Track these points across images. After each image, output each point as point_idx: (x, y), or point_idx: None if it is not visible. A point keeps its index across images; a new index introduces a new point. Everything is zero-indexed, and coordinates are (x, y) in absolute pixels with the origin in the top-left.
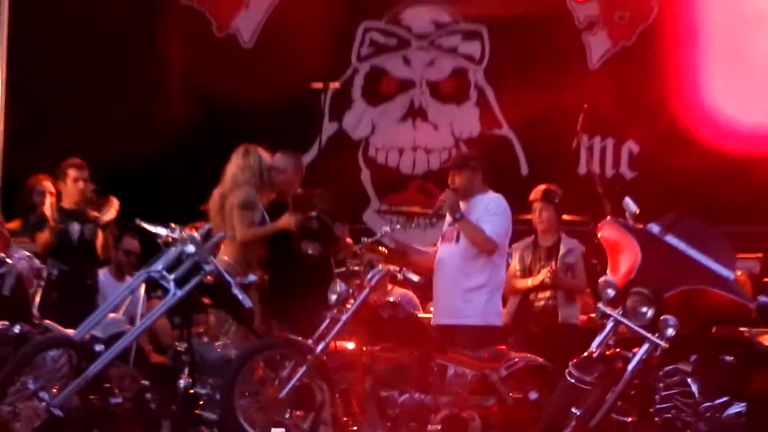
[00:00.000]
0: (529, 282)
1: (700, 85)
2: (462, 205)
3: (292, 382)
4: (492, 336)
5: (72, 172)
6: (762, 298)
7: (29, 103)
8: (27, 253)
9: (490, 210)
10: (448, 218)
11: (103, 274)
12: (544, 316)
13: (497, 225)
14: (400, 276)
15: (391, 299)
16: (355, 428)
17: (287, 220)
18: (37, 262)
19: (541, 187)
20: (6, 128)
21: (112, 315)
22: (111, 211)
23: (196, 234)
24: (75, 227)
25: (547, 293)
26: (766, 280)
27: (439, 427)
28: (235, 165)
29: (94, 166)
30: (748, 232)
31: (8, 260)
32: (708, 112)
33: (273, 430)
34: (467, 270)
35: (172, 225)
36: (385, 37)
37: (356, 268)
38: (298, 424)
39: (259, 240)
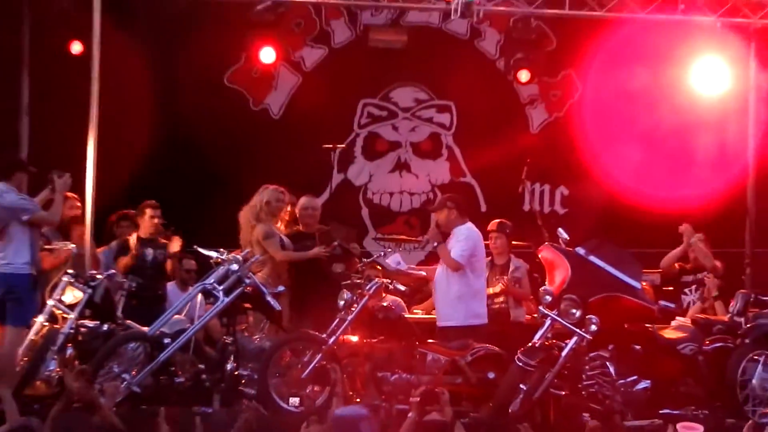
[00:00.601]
0: (490, 291)
1: (613, 144)
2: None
3: (312, 365)
4: (475, 333)
5: (149, 211)
6: (662, 303)
7: (114, 158)
8: (113, 271)
9: (458, 238)
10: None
11: (171, 286)
12: (499, 316)
13: (460, 249)
14: (391, 287)
15: (385, 304)
16: (358, 400)
17: (317, 251)
18: (119, 277)
19: (496, 221)
20: (96, 176)
21: (176, 316)
22: (175, 245)
23: (239, 256)
24: (149, 252)
25: (501, 299)
26: (664, 288)
27: (419, 398)
28: (250, 204)
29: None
30: (649, 253)
31: (98, 276)
32: (619, 164)
33: (290, 399)
34: (449, 284)
35: (221, 250)
36: (379, 110)
37: (358, 281)
38: (314, 397)
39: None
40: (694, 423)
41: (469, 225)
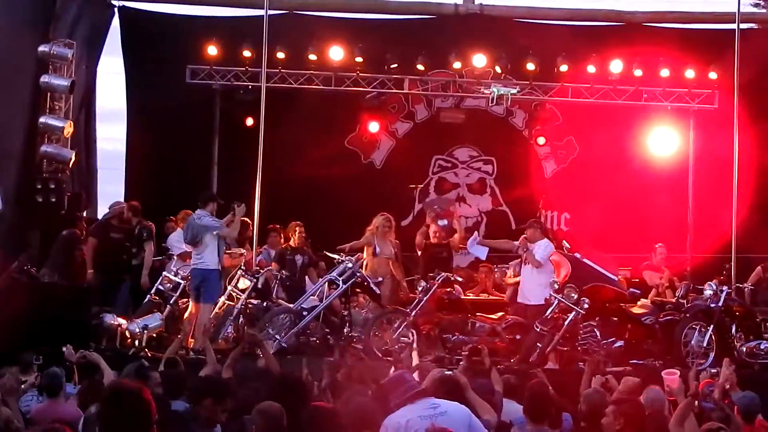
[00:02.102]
0: (515, 280)
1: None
2: (531, 245)
3: (399, 330)
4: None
5: (298, 228)
6: (631, 290)
7: (272, 193)
8: (270, 267)
9: (540, 246)
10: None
11: (308, 278)
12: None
13: (540, 254)
14: (452, 278)
15: (448, 289)
16: (430, 353)
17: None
18: (275, 271)
19: (523, 236)
20: (261, 206)
21: (311, 297)
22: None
23: (352, 258)
24: (299, 257)
25: None
26: (633, 280)
27: (468, 352)
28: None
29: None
30: (624, 256)
31: (261, 270)
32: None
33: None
34: (532, 277)
35: (342, 254)
36: (445, 163)
37: (431, 274)
38: (400, 351)
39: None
40: (672, 369)
41: (546, 240)
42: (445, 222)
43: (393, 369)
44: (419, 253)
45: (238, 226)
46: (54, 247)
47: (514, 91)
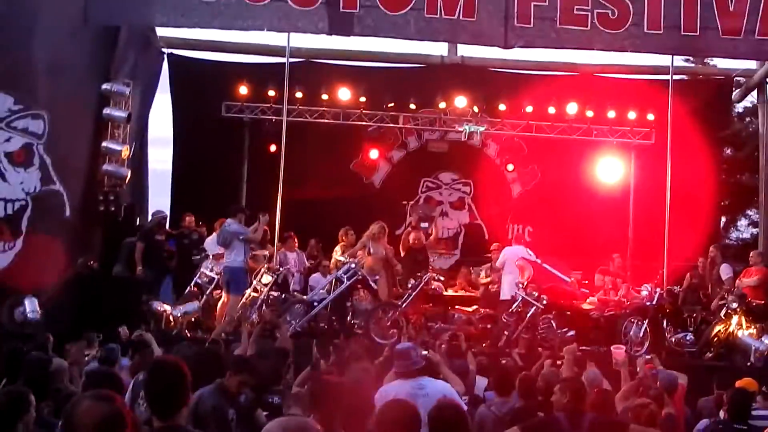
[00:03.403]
0: (488, 280)
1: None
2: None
3: (391, 319)
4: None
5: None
6: (582, 289)
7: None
8: (288, 266)
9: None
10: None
11: (318, 274)
12: (495, 295)
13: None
14: (435, 277)
15: (432, 286)
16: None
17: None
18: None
19: (495, 245)
20: (281, 217)
21: (321, 291)
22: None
23: (355, 260)
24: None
25: (497, 285)
26: (584, 282)
27: (448, 337)
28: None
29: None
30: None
31: (280, 268)
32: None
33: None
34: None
35: (346, 256)
36: (432, 184)
37: (419, 274)
38: (392, 336)
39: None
40: (619, 345)
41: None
42: (426, 225)
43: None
44: (402, 254)
45: (262, 232)
46: (123, 250)
47: (482, 128)
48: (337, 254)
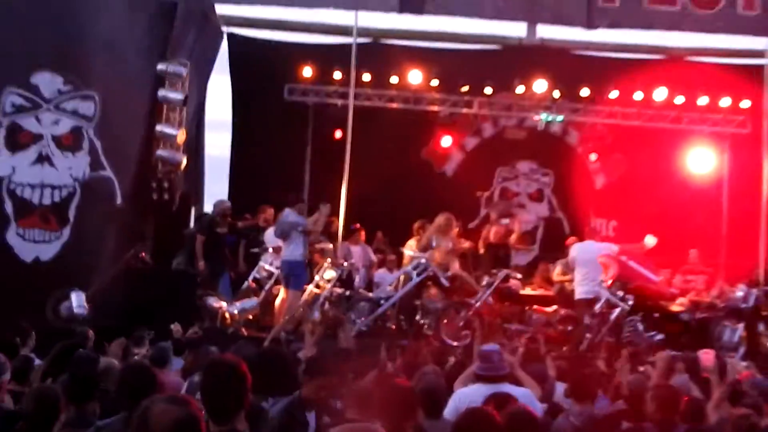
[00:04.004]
0: (563, 277)
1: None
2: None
3: (463, 319)
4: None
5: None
6: (671, 289)
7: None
8: (353, 260)
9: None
10: None
11: (384, 270)
12: (571, 294)
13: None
14: (512, 274)
15: (508, 284)
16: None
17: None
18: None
19: (571, 239)
20: (347, 207)
21: (388, 287)
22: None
23: (425, 255)
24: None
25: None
26: (672, 281)
27: (526, 340)
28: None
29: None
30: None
31: (344, 263)
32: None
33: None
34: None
35: (416, 251)
36: (508, 174)
37: (494, 271)
38: (464, 338)
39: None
40: (708, 350)
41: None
42: (507, 221)
43: (457, 354)
44: (481, 251)
45: (323, 224)
46: (187, 241)
47: (560, 118)
48: (410, 250)
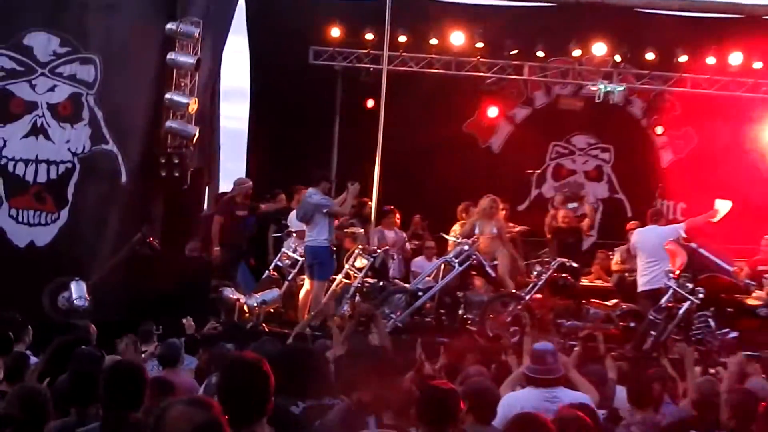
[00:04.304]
0: (622, 266)
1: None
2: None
3: (511, 314)
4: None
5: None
6: (747, 281)
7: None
8: (387, 247)
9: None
10: None
11: (422, 258)
12: (633, 285)
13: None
14: (567, 264)
15: (563, 275)
16: (542, 339)
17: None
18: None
19: (632, 224)
20: (379, 187)
21: (427, 278)
22: None
23: (468, 240)
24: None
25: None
26: (746, 273)
27: (582, 337)
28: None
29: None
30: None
31: (379, 250)
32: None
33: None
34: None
35: (457, 236)
36: (563, 149)
37: (546, 259)
38: (513, 335)
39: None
40: None
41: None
42: (575, 206)
43: (505, 354)
44: (549, 236)
45: (350, 205)
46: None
47: (621, 87)
48: (454, 235)
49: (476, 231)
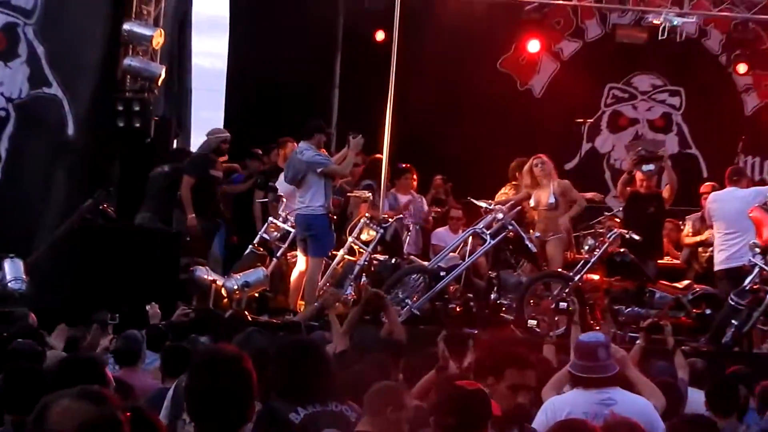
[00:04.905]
0: (698, 239)
1: None
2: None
3: (557, 299)
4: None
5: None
6: None
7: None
8: (401, 215)
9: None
10: None
11: (445, 229)
12: (709, 262)
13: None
14: (627, 236)
15: (621, 250)
16: (597, 328)
17: None
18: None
19: (706, 186)
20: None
21: (451, 254)
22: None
23: (503, 207)
24: None
25: (711, 248)
26: None
27: (645, 328)
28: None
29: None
30: None
31: (391, 219)
32: None
33: (528, 321)
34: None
35: (489, 201)
36: (622, 93)
37: (601, 230)
38: (558, 325)
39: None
40: None
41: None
42: (652, 168)
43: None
44: (622, 204)
45: (351, 163)
46: (151, 185)
47: (692, 18)
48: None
49: (532, 202)
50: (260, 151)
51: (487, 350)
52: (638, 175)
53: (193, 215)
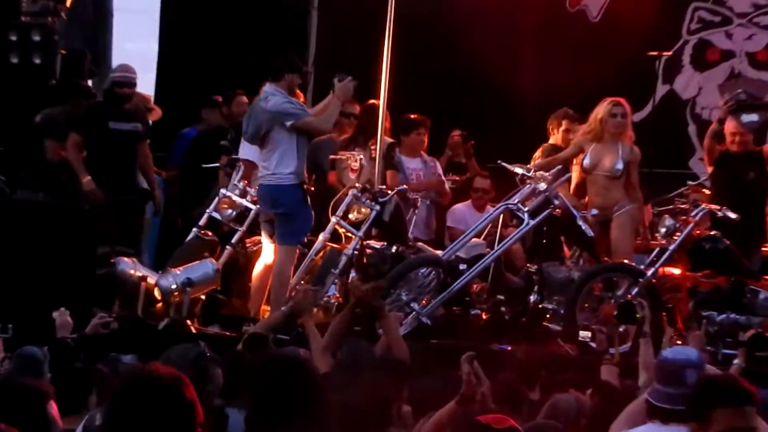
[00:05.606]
0: None
1: None
2: None
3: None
4: None
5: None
6: None
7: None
8: (404, 186)
9: None
10: None
11: (466, 206)
12: None
13: None
14: (719, 214)
15: (712, 233)
16: (679, 342)
17: None
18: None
19: None
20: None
21: (474, 240)
22: None
23: (547, 174)
24: None
25: None
26: None
27: (747, 340)
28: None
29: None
30: None
31: (389, 192)
32: None
33: (580, 333)
34: None
35: (528, 166)
36: (712, 15)
37: (683, 206)
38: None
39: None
40: None
41: None
42: (755, 118)
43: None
44: (708, 168)
45: (336, 115)
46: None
47: None
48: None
49: (586, 163)
50: (220, 99)
51: (527, 372)
52: (730, 126)
53: (89, 177)
